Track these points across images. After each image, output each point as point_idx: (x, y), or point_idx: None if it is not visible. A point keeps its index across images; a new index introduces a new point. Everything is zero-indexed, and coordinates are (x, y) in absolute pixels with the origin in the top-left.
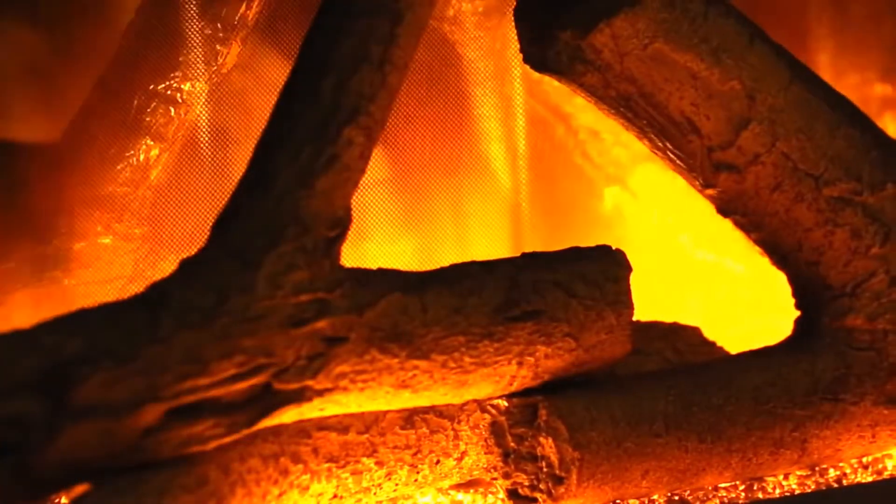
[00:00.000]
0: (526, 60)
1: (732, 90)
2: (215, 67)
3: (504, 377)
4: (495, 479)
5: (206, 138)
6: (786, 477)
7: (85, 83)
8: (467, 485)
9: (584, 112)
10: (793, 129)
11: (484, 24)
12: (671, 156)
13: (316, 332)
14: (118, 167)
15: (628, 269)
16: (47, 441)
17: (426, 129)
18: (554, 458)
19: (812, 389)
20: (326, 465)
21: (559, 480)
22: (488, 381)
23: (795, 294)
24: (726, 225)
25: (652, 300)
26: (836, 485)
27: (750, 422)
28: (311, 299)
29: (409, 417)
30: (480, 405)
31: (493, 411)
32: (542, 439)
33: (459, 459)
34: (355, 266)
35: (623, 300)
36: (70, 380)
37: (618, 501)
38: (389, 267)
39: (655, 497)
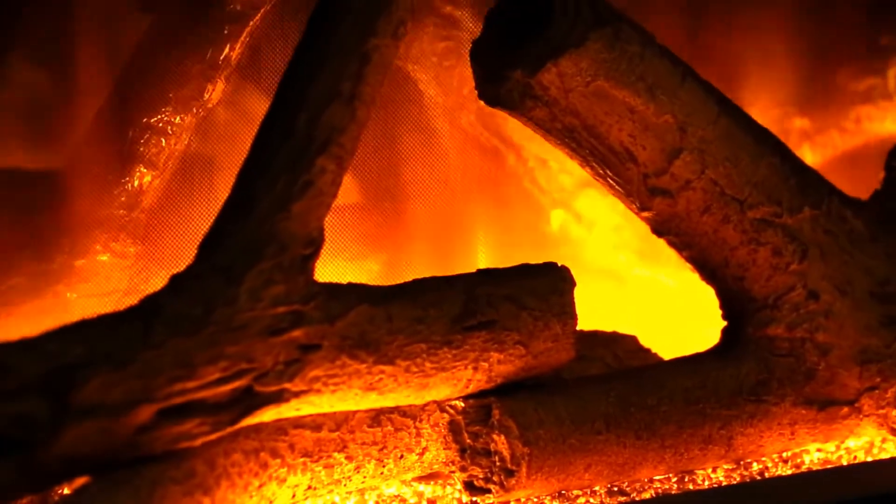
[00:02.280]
0: (481, 96)
1: (666, 123)
2: (202, 102)
3: (461, 380)
4: (453, 472)
5: (194, 166)
6: (714, 470)
7: (84, 116)
8: (428, 477)
9: (532, 142)
10: (720, 158)
11: (443, 64)
12: (611, 182)
13: (292, 340)
14: (115, 192)
15: (572, 283)
16: (51, 438)
17: (392, 157)
18: (506, 453)
19: (737, 392)
20: (302, 459)
21: (510, 473)
22: (447, 384)
23: (722, 306)
24: (660, 244)
25: (594, 312)
26: (759, 477)
27: (681, 421)
28: (287, 311)
29: (376, 416)
30: (440, 405)
31: (452, 411)
32: (495, 436)
33: (421, 454)
34: (328, 281)
35: (568, 311)
36: (72, 382)
37: (563, 492)
38: (358, 281)
39: (597, 488)
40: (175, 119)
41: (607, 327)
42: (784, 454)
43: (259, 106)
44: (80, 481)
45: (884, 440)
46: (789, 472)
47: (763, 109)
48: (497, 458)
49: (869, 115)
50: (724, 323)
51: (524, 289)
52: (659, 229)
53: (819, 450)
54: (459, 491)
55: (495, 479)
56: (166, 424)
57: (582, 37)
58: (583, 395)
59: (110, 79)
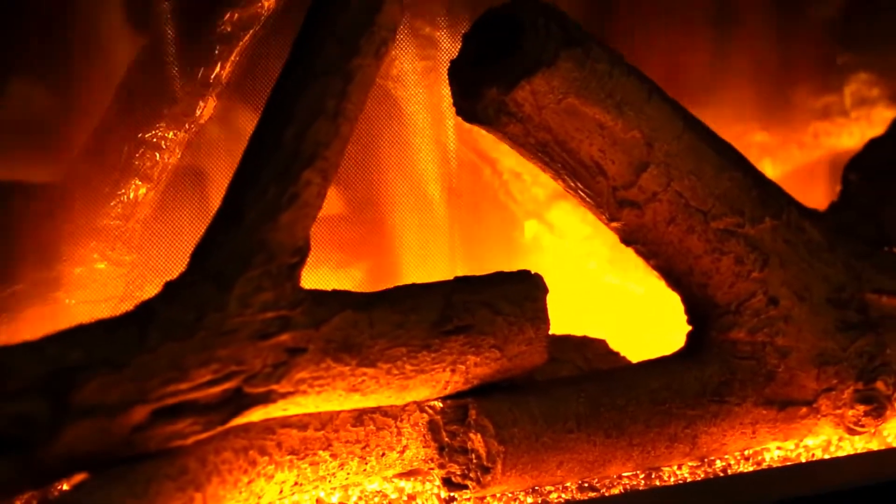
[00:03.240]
0: (458, 113)
1: (633, 138)
2: (194, 119)
3: (440, 382)
4: (432, 469)
5: (186, 179)
6: (679, 467)
7: (82, 132)
8: (408, 474)
9: (507, 157)
10: (685, 171)
11: (422, 83)
12: (581, 194)
13: (280, 344)
14: (111, 203)
15: (545, 290)
16: (51, 437)
17: (374, 171)
18: (482, 451)
19: (701, 392)
20: (288, 457)
21: (486, 470)
22: (426, 385)
23: (687, 311)
24: (629, 253)
25: (565, 317)
26: (722, 474)
27: (648, 420)
28: (275, 316)
29: (359, 416)
30: (419, 406)
31: (430, 411)
32: (472, 435)
33: (402, 452)
34: (313, 287)
35: (541, 317)
36: (71, 384)
37: (536, 488)
38: (342, 288)
39: (569, 484)
40: (168, 134)
41: (578, 332)
42: (746, 452)
43: (248, 122)
44: (79, 478)
45: (840, 438)
46: (751, 469)
47: (726, 125)
48: (474, 456)
49: (826, 130)
50: (689, 327)
51: (499, 295)
52: (627, 239)
53: (779, 448)
54: (438, 487)
55: (472, 475)
56: (160, 424)
57: (554, 56)
58: (555, 396)
59: (107, 96)
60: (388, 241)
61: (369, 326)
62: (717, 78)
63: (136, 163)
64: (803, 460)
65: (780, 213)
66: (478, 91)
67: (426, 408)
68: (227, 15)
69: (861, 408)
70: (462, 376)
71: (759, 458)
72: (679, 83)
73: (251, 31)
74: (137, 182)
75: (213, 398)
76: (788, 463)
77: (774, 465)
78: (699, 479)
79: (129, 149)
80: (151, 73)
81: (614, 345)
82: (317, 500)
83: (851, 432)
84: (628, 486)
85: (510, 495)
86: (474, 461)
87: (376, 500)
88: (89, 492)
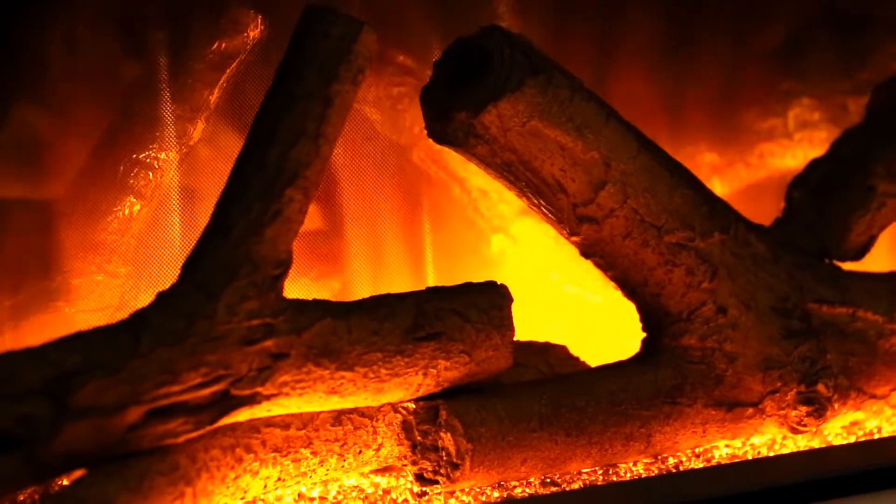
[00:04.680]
0: (429, 135)
1: (592, 158)
2: (185, 141)
3: (412, 385)
4: (405, 465)
5: (178, 197)
6: (635, 464)
7: (81, 153)
8: (383, 470)
9: (475, 175)
10: (640, 189)
11: (396, 107)
12: (544, 210)
13: (264, 349)
14: (108, 219)
15: (510, 299)
16: (52, 436)
17: (351, 188)
18: (452, 449)
19: (655, 394)
20: (272, 454)
21: (456, 467)
22: (400, 388)
23: (642, 319)
24: (587, 265)
25: (528, 324)
26: (674, 470)
27: (606, 420)
28: (260, 323)
29: (338, 416)
30: (394, 407)
31: (404, 412)
32: (442, 434)
33: (377, 450)
34: (295, 297)
35: (506, 324)
36: (70, 387)
37: (502, 483)
38: (322, 298)
39: (532, 480)
40: (161, 155)
41: (540, 338)
42: (696, 450)
43: (235, 144)
44: (78, 474)
45: (784, 437)
46: (701, 465)
47: (678, 146)
48: (444, 454)
49: (771, 151)
50: (644, 334)
51: (468, 304)
52: (586, 252)
53: (727, 446)
54: (411, 482)
55: (442, 471)
56: (153, 424)
57: (518, 82)
58: (519, 398)
59: (104, 120)
60: (365, 254)
61: (347, 333)
62: (670, 102)
63: (131, 181)
64: (750, 457)
65: (728, 228)
66: (448, 115)
67: (400, 409)
68: (216, 44)
69: (803, 409)
70: (433, 379)
71: (709, 455)
72: (635, 107)
73: (238, 59)
74: (132, 199)
75: (203, 400)
76: (736, 460)
77: (723, 462)
78: (653, 474)
79: (125, 168)
80: (145, 98)
81: (574, 350)
82: (298, 495)
83: (794, 431)
84: (587, 482)
85: (478, 490)
86: (444, 458)
87: (353, 494)
88: (87, 486)
